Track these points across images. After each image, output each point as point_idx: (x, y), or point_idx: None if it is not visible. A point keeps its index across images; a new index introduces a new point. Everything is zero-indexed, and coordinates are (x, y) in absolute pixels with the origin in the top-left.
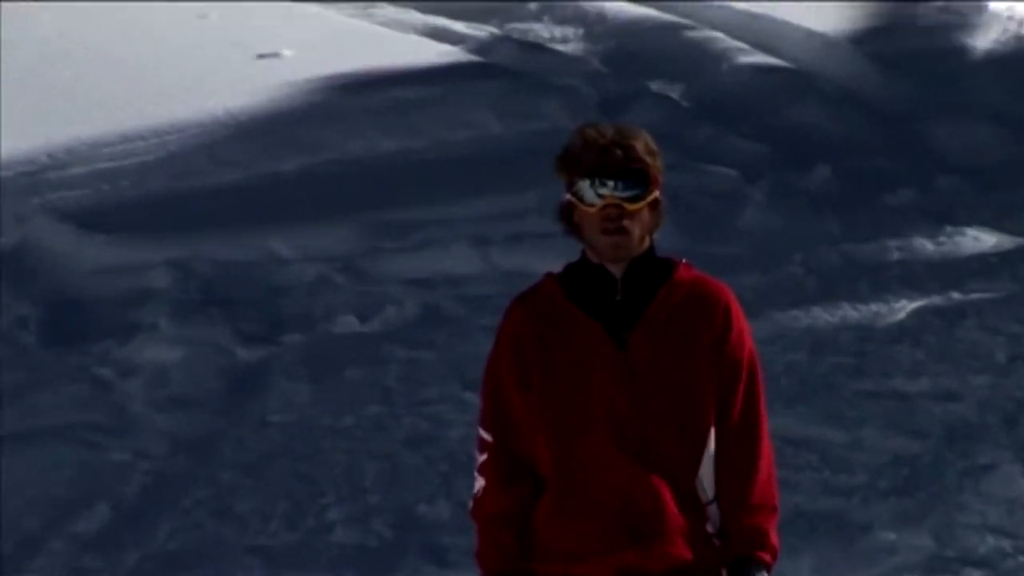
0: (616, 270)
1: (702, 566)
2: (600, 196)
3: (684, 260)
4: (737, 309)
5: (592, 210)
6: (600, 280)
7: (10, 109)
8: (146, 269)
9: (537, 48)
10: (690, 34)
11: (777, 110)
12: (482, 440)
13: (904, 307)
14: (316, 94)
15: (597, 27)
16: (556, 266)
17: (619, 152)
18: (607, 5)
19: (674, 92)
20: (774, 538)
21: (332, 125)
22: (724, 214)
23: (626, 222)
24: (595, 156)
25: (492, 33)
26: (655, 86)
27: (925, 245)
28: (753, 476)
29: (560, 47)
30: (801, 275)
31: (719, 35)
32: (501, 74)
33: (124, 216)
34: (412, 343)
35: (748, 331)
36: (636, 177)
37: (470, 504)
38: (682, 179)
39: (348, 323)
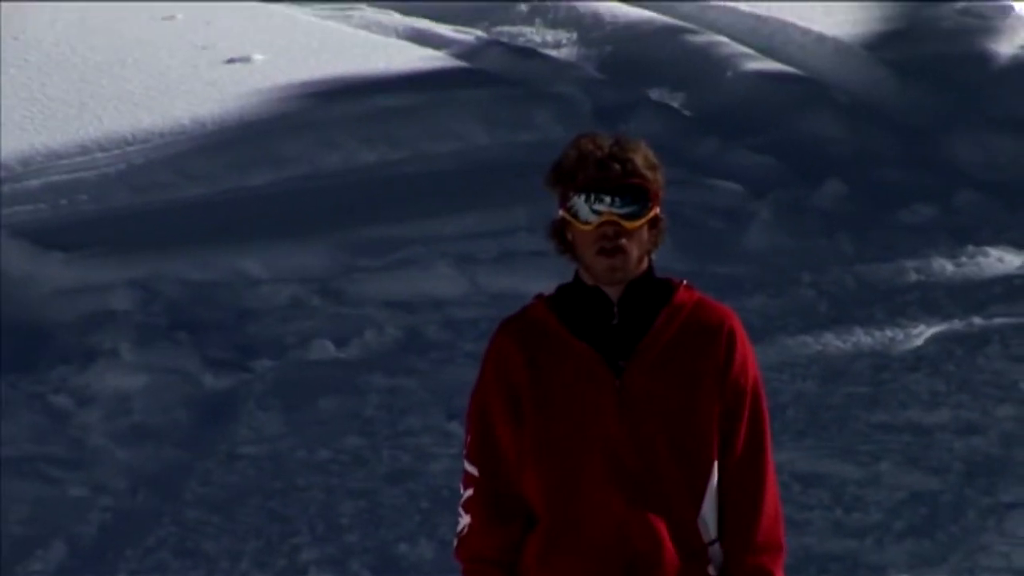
0: (612, 292)
1: None
2: (596, 213)
3: (685, 281)
4: (741, 334)
5: (587, 228)
6: (595, 303)
7: None
8: (106, 290)
9: (528, 53)
10: (692, 38)
11: (785, 120)
12: (467, 474)
13: (922, 333)
14: (289, 102)
15: (592, 31)
16: (547, 287)
17: (617, 166)
18: (603, 7)
19: (675, 101)
20: None
21: (306, 135)
22: (728, 232)
23: (624, 241)
24: (591, 170)
25: (479, 37)
26: (654, 94)
27: (945, 266)
28: (757, 513)
29: (552, 52)
30: (811, 298)
31: (723, 39)
32: (489, 81)
33: (83, 233)
34: (392, 370)
35: (753, 358)
36: (635, 193)
37: (454, 543)
38: (683, 194)
39: (323, 348)
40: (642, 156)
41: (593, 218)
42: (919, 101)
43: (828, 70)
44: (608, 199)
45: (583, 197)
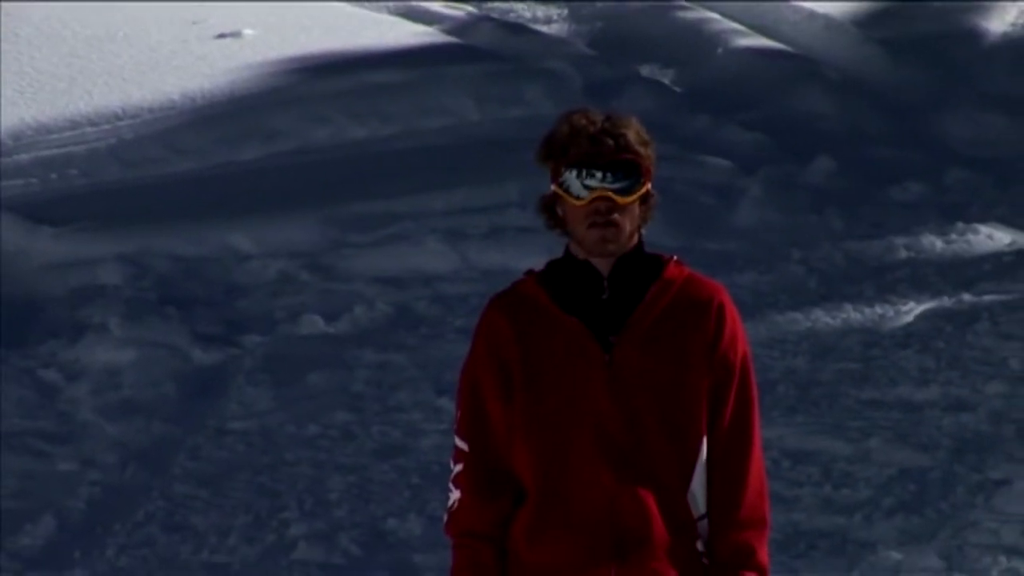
0: (603, 266)
1: None
2: (588, 188)
3: (675, 257)
4: (731, 309)
5: (580, 203)
6: (585, 277)
7: None
8: (96, 264)
9: (518, 29)
10: (683, 15)
11: (776, 97)
12: (457, 449)
13: (912, 310)
14: (280, 77)
15: (583, 7)
16: (538, 263)
17: (610, 141)
18: None
19: (666, 77)
20: (763, 556)
21: (297, 110)
22: (719, 208)
23: (616, 216)
24: (584, 145)
25: (470, 13)
26: (645, 70)
27: (935, 243)
28: (741, 488)
29: (543, 28)
30: (801, 275)
31: (714, 16)
32: (479, 57)
33: (73, 208)
34: (382, 345)
35: (742, 333)
36: (627, 168)
37: (444, 519)
38: (674, 170)
39: (313, 324)
40: (634, 132)
41: (585, 193)
42: (909, 78)
43: (819, 47)
44: (600, 174)
45: (575, 172)
